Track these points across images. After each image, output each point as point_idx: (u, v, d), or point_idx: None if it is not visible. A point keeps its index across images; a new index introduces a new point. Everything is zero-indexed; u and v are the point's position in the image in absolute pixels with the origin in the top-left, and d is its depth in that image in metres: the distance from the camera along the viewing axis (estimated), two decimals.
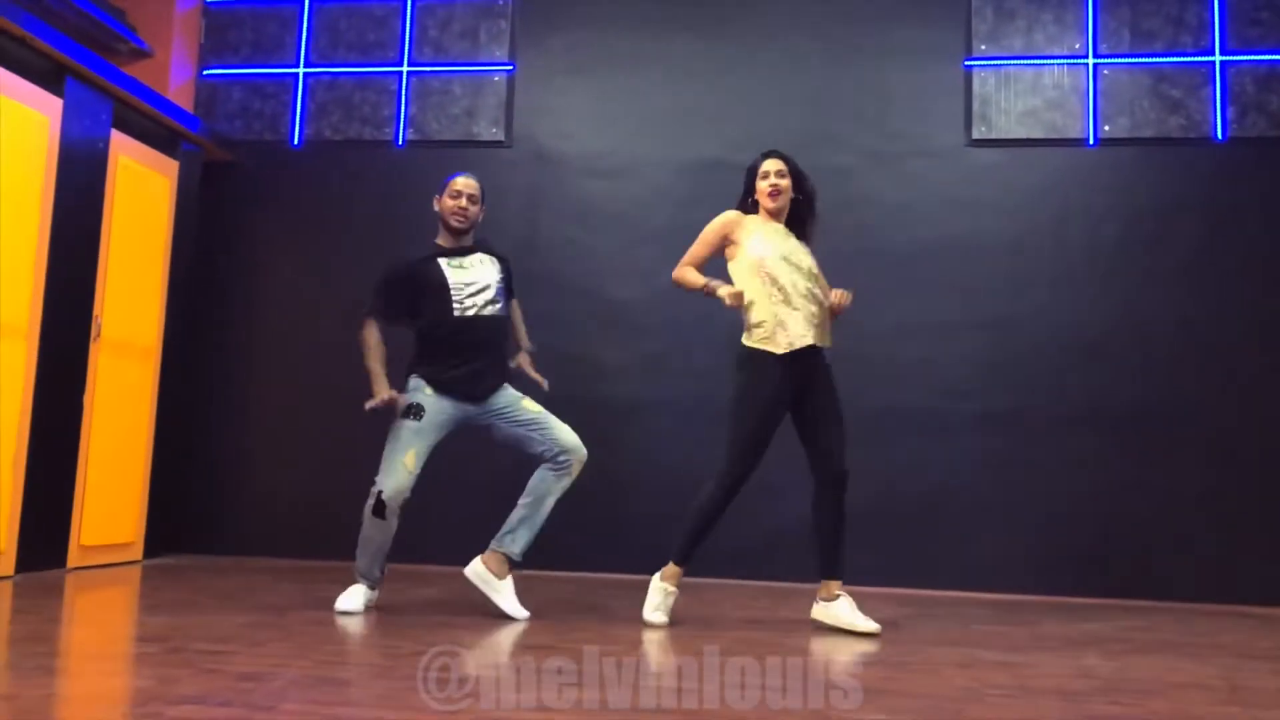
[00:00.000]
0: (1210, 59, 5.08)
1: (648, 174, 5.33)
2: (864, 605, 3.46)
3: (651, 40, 5.45)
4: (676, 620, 3.45)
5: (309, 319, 5.46)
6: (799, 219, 3.70)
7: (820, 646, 3.11)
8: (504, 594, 3.52)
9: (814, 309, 3.51)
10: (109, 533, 4.74)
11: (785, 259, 3.52)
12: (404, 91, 5.60)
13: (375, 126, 5.60)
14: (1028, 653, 3.11)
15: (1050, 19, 5.24)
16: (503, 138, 5.49)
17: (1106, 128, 5.13)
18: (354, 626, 3.18)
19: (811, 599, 3.51)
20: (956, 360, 4.98)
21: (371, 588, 3.60)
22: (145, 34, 5.41)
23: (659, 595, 3.48)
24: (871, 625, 3.35)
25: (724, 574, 4.79)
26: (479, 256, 3.75)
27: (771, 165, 3.66)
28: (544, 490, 3.60)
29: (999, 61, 5.23)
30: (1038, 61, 5.21)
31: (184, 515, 5.29)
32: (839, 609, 3.42)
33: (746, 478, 3.47)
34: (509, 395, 3.68)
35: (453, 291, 3.61)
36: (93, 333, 4.57)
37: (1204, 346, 4.89)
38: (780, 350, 3.45)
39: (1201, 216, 4.99)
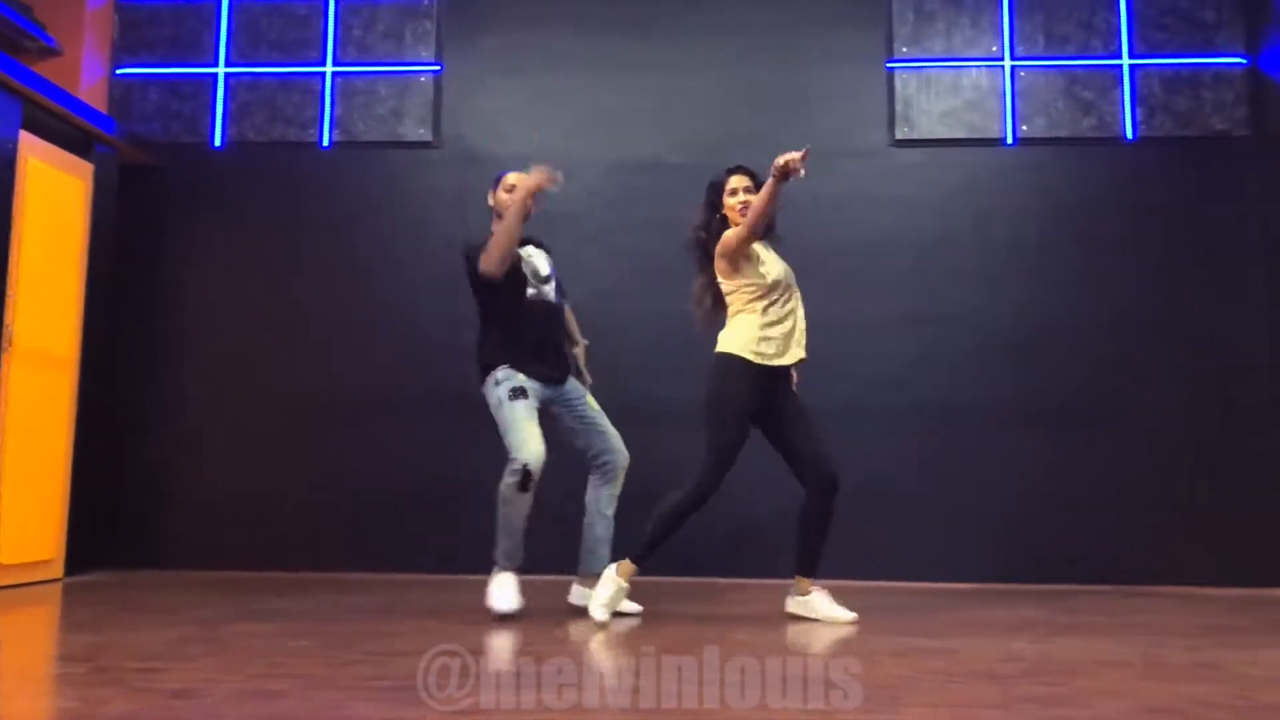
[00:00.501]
0: (1119, 62, 5.27)
1: (581, 174, 5.31)
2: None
3: (581, 41, 5.45)
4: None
5: (234, 325, 5.36)
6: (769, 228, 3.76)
7: (767, 639, 3.15)
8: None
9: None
10: (27, 550, 4.58)
11: (789, 279, 3.66)
12: (329, 92, 5.51)
13: (300, 128, 5.51)
14: (959, 639, 3.19)
15: (968, 22, 5.37)
16: (430, 138, 5.45)
17: (1024, 128, 5.27)
18: (286, 638, 3.12)
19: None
20: (884, 356, 5.08)
21: (518, 571, 3.66)
22: (54, 31, 5.23)
23: (611, 588, 3.50)
24: (850, 614, 3.50)
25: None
26: (532, 249, 3.96)
27: (739, 182, 3.74)
28: (599, 507, 3.85)
29: (920, 63, 5.34)
30: (957, 63, 5.34)
31: (109, 529, 5.14)
32: (816, 602, 3.55)
33: (719, 486, 3.53)
34: (578, 387, 3.92)
35: (526, 275, 3.82)
36: (3, 343, 4.41)
37: (1122, 340, 5.07)
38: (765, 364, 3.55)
39: (1115, 213, 5.16)
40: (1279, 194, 4.93)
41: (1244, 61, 5.21)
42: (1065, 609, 3.99)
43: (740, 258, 3.62)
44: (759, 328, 3.57)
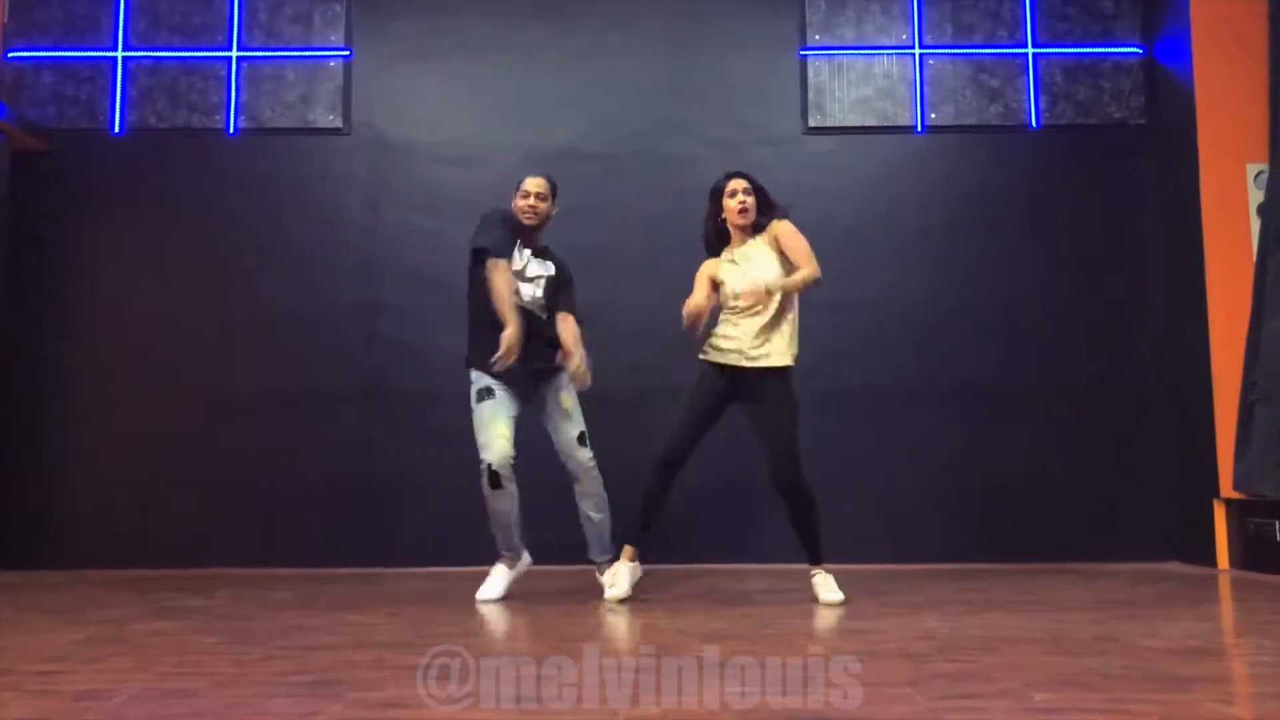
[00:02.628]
0: (1023, 51, 5.41)
1: (498, 161, 5.28)
2: (716, 582, 3.55)
3: (497, 26, 5.41)
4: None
5: (134, 318, 5.20)
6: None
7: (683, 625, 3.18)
8: (620, 581, 3.75)
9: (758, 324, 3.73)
10: None
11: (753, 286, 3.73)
12: (234, 77, 5.36)
13: (204, 114, 5.35)
14: (873, 619, 3.25)
15: (878, 10, 5.46)
16: (340, 125, 5.35)
17: (933, 115, 5.38)
18: (197, 635, 3.04)
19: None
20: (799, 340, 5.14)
21: (515, 561, 3.86)
22: None
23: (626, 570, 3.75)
24: (838, 596, 3.67)
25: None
26: (542, 260, 3.97)
27: (737, 184, 3.83)
28: (581, 506, 3.95)
29: (832, 51, 5.41)
30: (868, 51, 5.43)
31: (6, 530, 4.95)
32: (817, 588, 3.75)
33: (674, 463, 3.73)
34: (556, 383, 3.91)
35: (516, 271, 3.83)
36: None
37: (1024, 322, 5.22)
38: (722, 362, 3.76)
39: (1021, 200, 5.31)
40: (1174, 181, 5.12)
41: (1140, 51, 5.39)
42: (976, 588, 4.11)
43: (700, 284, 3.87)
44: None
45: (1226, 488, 4.66)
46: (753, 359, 3.73)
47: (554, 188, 4.01)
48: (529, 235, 3.96)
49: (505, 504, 3.75)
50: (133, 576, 4.68)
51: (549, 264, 4.00)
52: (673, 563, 4.77)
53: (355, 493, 5.04)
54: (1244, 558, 4.68)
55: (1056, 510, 5.09)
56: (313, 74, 5.39)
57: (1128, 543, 5.07)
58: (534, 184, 3.96)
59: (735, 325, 3.77)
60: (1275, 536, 4.44)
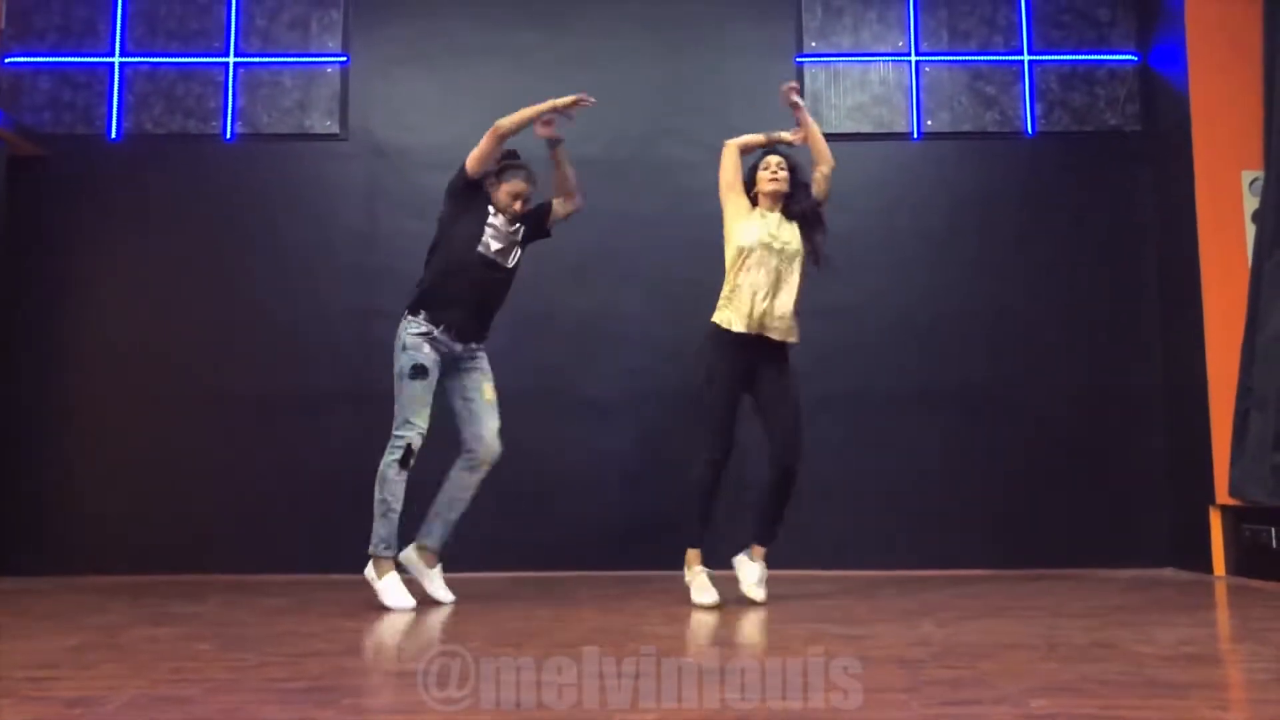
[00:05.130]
0: (1019, 58, 5.42)
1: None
2: (714, 585, 3.55)
3: (493, 32, 5.41)
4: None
5: (129, 323, 5.19)
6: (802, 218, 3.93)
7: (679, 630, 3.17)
8: (434, 581, 3.86)
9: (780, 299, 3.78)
10: None
11: (770, 247, 3.78)
12: (231, 83, 5.36)
13: (201, 119, 5.35)
14: (869, 625, 3.25)
15: (875, 17, 5.47)
16: (337, 130, 5.35)
17: (929, 122, 5.39)
18: (191, 642, 3.03)
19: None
20: (796, 346, 5.15)
21: (399, 563, 3.81)
22: None
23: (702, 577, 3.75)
24: (758, 595, 3.73)
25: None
26: (515, 225, 3.96)
27: (774, 159, 3.94)
28: (455, 492, 3.88)
29: (828, 58, 5.42)
30: (864, 58, 5.44)
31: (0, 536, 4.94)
32: (746, 569, 3.81)
33: (725, 460, 3.73)
34: (481, 366, 3.89)
35: (487, 229, 3.86)
36: None
37: (1023, 330, 5.23)
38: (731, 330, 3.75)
39: (1016, 207, 5.32)
40: (1170, 188, 5.13)
41: (1135, 59, 5.40)
42: (971, 594, 4.10)
43: (724, 199, 3.93)
44: (725, 292, 3.82)
45: (1222, 494, 4.66)
46: (784, 332, 3.79)
47: (530, 176, 4.01)
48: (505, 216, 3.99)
49: (399, 492, 3.77)
50: (126, 582, 4.67)
51: (516, 225, 4.00)
52: (671, 569, 4.76)
53: (350, 498, 5.01)
54: (1239, 564, 4.68)
55: (1052, 516, 5.08)
56: (310, 80, 5.39)
57: (1123, 549, 5.07)
58: (521, 188, 3.97)
59: (764, 299, 3.78)
60: (1270, 543, 4.44)
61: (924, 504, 5.07)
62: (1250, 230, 4.76)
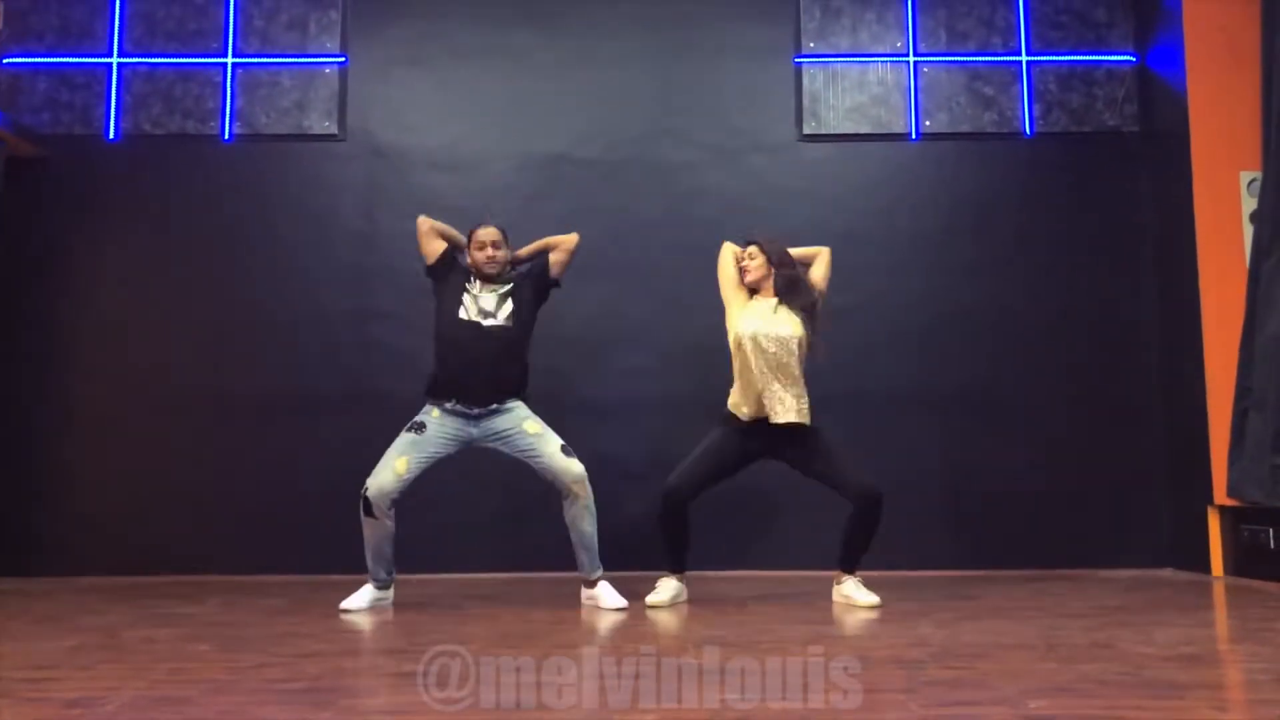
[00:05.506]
0: (1017, 59, 5.42)
1: (492, 168, 5.30)
2: (711, 588, 3.54)
3: (492, 33, 5.40)
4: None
5: (127, 324, 5.18)
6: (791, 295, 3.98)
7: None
8: (601, 597, 3.79)
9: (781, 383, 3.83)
10: None
11: (763, 340, 3.83)
12: (229, 84, 5.36)
13: (199, 120, 5.34)
14: (867, 626, 3.25)
15: (873, 18, 5.47)
16: (336, 131, 5.34)
17: (927, 123, 5.39)
18: (190, 643, 3.03)
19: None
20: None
21: (380, 588, 3.84)
22: None
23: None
24: (872, 599, 3.79)
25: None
26: (498, 287, 3.95)
27: (745, 250, 4.04)
28: (569, 521, 3.84)
29: (827, 59, 5.42)
30: (863, 59, 5.44)
31: None
32: (847, 589, 3.90)
33: (677, 495, 3.82)
34: (510, 417, 3.84)
35: (464, 296, 3.89)
36: None
37: (1021, 330, 5.23)
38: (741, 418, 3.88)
39: (1014, 207, 5.32)
40: (1168, 188, 5.13)
41: (1133, 59, 5.41)
42: (970, 595, 4.11)
43: (723, 296, 4.04)
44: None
45: (1220, 494, 4.66)
46: (791, 415, 3.82)
47: (505, 235, 4.03)
48: (487, 279, 3.97)
49: (377, 534, 3.77)
50: (124, 583, 4.67)
51: (508, 284, 3.98)
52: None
53: (349, 499, 5.00)
54: (1238, 564, 4.68)
55: (1051, 517, 5.09)
56: (308, 80, 5.39)
57: (1122, 549, 5.07)
58: (487, 233, 3.97)
59: (762, 386, 3.83)
60: (1269, 543, 4.45)
61: (922, 504, 5.07)
62: (1248, 231, 4.76)
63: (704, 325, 5.11)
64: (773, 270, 3.97)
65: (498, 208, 5.15)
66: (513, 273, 4.05)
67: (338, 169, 5.32)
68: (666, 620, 3.45)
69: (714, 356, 5.08)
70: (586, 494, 3.82)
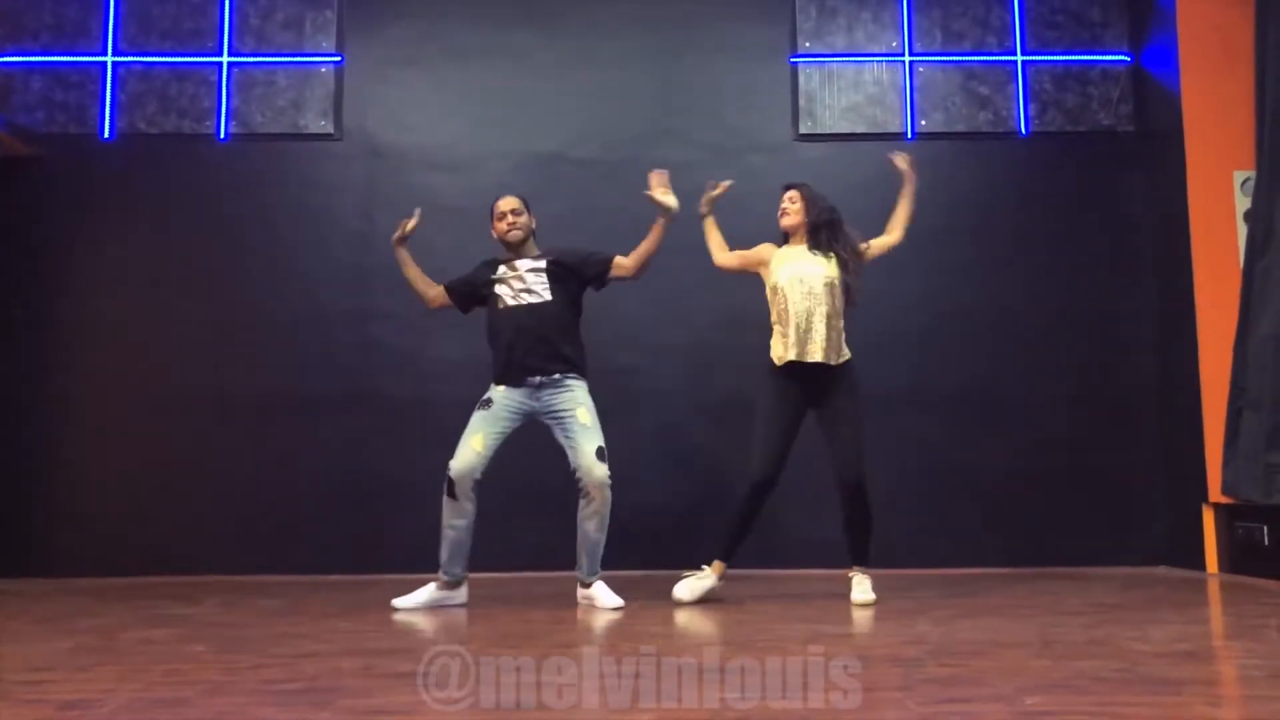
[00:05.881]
0: (1013, 59, 5.43)
1: (489, 166, 5.29)
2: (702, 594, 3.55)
3: (489, 32, 5.41)
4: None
5: (124, 324, 5.18)
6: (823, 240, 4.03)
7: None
8: (598, 597, 3.79)
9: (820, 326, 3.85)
10: None
11: (799, 280, 3.87)
12: (225, 83, 5.35)
13: (195, 119, 5.34)
14: (865, 624, 3.26)
15: (869, 18, 5.48)
16: (332, 130, 5.34)
17: (923, 122, 5.40)
18: (187, 644, 3.02)
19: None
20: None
21: (449, 585, 3.87)
22: None
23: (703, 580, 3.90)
24: (869, 597, 3.79)
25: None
26: (527, 262, 3.99)
27: (785, 194, 4.12)
28: (580, 520, 3.85)
29: (823, 58, 5.43)
30: (858, 59, 5.44)
31: None
32: (855, 589, 3.86)
33: (766, 482, 3.81)
34: (569, 397, 3.88)
35: (498, 287, 3.96)
36: None
37: (1017, 329, 5.24)
38: (780, 363, 3.87)
39: (1010, 206, 5.33)
40: (1162, 188, 5.14)
41: (1128, 59, 5.42)
42: (967, 592, 4.11)
43: (751, 268, 4.12)
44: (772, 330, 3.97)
45: (1215, 492, 4.68)
46: (830, 355, 3.86)
47: (525, 202, 4.08)
48: (518, 252, 4.02)
49: (457, 519, 3.80)
50: (121, 584, 4.66)
51: (540, 260, 4.00)
52: (668, 569, 4.76)
53: (346, 499, 5.02)
54: (1233, 562, 4.70)
55: (1047, 515, 5.10)
56: (304, 80, 5.38)
57: (1118, 547, 5.08)
58: (506, 203, 4.04)
59: (802, 330, 3.86)
60: (1263, 540, 4.46)
61: (918, 503, 5.08)
62: (1242, 230, 4.78)
63: (703, 325, 5.15)
64: (807, 220, 4.01)
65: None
66: (544, 253, 4.06)
67: (336, 169, 5.31)
68: (664, 620, 3.45)
69: (713, 356, 5.12)
70: (603, 500, 3.79)
